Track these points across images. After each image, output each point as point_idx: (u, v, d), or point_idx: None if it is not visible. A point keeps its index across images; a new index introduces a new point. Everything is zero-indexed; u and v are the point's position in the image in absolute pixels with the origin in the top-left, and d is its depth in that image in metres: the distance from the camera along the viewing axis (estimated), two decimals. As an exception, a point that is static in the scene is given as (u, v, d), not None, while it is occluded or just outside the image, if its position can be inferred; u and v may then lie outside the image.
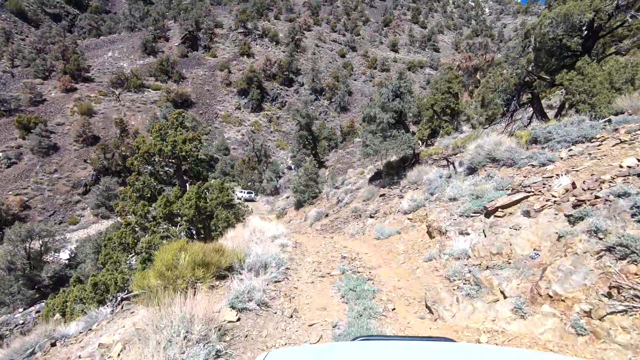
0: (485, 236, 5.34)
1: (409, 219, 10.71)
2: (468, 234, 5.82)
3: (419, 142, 19.63)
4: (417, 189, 15.70)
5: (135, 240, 10.52)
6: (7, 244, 29.32)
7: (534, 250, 4.22)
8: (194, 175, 13.70)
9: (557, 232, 4.12)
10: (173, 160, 13.06)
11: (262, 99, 75.73)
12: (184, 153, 12.12)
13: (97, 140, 50.52)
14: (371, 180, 23.00)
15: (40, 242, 31.32)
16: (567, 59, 12.06)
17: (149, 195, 12.54)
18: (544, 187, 5.39)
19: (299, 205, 29.45)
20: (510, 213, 5.35)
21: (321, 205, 26.49)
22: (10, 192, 41.92)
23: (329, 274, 6.35)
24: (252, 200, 40.60)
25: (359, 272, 6.31)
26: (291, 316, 4.31)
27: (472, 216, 6.17)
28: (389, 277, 6.19)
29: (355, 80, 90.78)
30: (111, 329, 5.20)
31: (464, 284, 4.54)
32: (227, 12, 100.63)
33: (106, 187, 42.77)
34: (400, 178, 19.74)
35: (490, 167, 9.36)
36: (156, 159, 12.99)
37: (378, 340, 1.92)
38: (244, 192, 42.51)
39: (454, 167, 13.62)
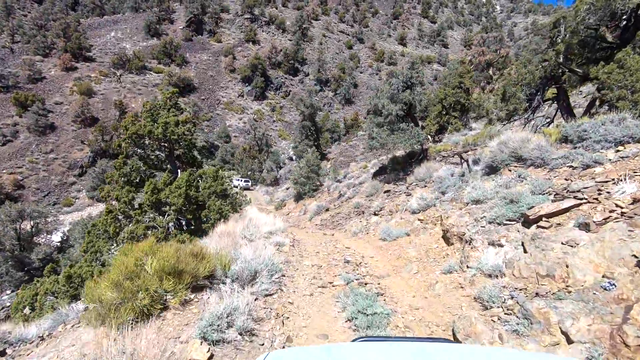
0: (525, 251, 4.36)
1: (419, 219, 9.72)
2: (501, 245, 4.84)
3: (428, 137, 18.55)
4: (425, 186, 14.69)
5: (118, 230, 9.56)
6: (-3, 223, 28.47)
7: (604, 277, 3.25)
8: (187, 161, 12.69)
9: (635, 255, 3.16)
10: (165, 144, 12.05)
11: (265, 87, 74.31)
12: (175, 136, 11.09)
13: (96, 122, 49.40)
14: (375, 175, 22.01)
15: (32, 223, 30.47)
16: (602, 52, 10.93)
17: (137, 181, 11.56)
18: (599, 194, 4.40)
19: (298, 197, 28.48)
20: (559, 224, 4.36)
21: (322, 198, 25.53)
22: (4, 171, 40.98)
23: (330, 283, 5.39)
24: (248, 189, 39.59)
25: (366, 284, 5.34)
26: (283, 348, 3.38)
27: (505, 224, 5.17)
28: (402, 292, 5.23)
29: (361, 72, 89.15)
30: (66, 341, 4.27)
31: (505, 313, 3.56)
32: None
33: (102, 169, 41.75)
34: (407, 174, 18.73)
35: (516, 166, 8.34)
36: (146, 142, 11.97)
37: (378, 341, 1.92)
38: (241, 181, 41.49)
39: (468, 164, 12.60)
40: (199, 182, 11.03)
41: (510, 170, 8.28)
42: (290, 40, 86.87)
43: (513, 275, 4.11)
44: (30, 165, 42.60)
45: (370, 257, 7.92)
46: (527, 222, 4.80)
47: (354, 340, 1.99)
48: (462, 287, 4.75)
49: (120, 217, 9.92)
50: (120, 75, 60.37)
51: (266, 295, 4.34)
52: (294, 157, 50.10)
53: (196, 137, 12.46)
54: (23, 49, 62.91)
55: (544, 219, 4.55)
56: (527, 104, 12.12)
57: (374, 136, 18.40)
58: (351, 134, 53.14)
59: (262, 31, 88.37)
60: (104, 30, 77.70)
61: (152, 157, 12.66)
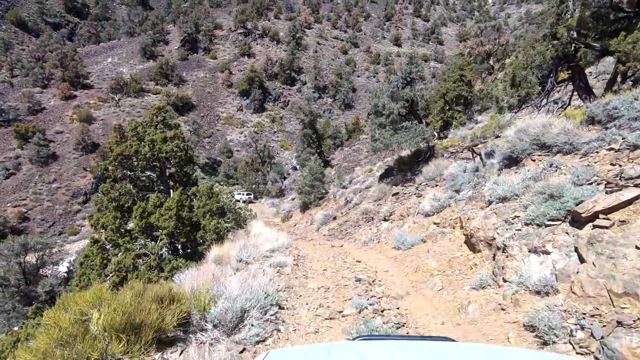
0: (582, 259, 3.43)
1: (435, 223, 8.77)
2: (546, 252, 3.90)
3: (434, 133, 17.62)
4: (436, 186, 13.74)
5: (105, 261, 8.74)
6: (0, 259, 27.93)
7: None
8: (180, 180, 11.89)
9: None
10: (155, 163, 11.28)
11: (264, 99, 74.10)
12: (164, 154, 10.31)
13: (97, 148, 49.24)
14: (381, 178, 21.09)
15: (36, 256, 29.92)
16: (618, 23, 9.98)
17: (128, 205, 10.78)
18: (669, 179, 3.48)
19: (304, 207, 27.60)
20: (623, 221, 3.42)
21: (328, 206, 24.63)
22: (8, 204, 40.77)
23: (340, 313, 4.48)
24: (251, 202, 38.43)
25: (382, 311, 4.42)
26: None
27: (548, 225, 4.23)
28: (428, 317, 4.29)
29: (358, 76, 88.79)
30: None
31: (579, 353, 2.62)
32: (227, 14, 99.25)
33: (106, 195, 41.35)
34: (415, 174, 17.80)
35: (540, 155, 7.38)
36: (135, 163, 11.23)
37: (378, 340, 1.90)
38: (243, 194, 40.33)
39: (482, 158, 11.65)
40: (192, 201, 10.21)
41: (534, 160, 7.33)
42: (285, 50, 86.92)
43: (572, 293, 3.18)
44: (34, 197, 42.38)
45: (385, 271, 6.98)
46: (578, 222, 3.87)
47: (353, 339, 1.96)
48: (503, 309, 3.80)
49: (108, 246, 9.11)
50: (119, 100, 60.53)
51: (257, 342, 3.42)
52: (297, 167, 49.38)
53: (190, 153, 11.69)
54: (22, 82, 63.54)
55: (601, 215, 3.62)
56: (540, 88, 11.17)
57: (377, 137, 17.53)
58: (354, 138, 52.36)
59: (257, 44, 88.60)
60: (100, 57, 78.48)
61: (143, 178, 11.92)
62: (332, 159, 44.89)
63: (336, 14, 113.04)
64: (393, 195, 16.55)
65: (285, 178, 49.38)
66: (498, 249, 4.72)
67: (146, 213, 9.31)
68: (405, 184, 17.02)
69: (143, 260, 8.78)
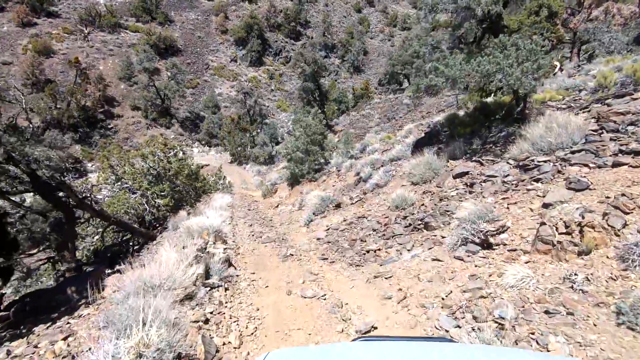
0: None
1: None
2: None
3: (555, 63, 9.25)
4: (584, 163, 5.62)
5: None
6: None
7: None
8: None
9: None
10: None
11: (263, 51, 64.10)
12: None
13: (50, 85, 40.23)
14: (418, 145, 12.92)
15: None
16: None
17: None
18: None
19: (294, 180, 19.40)
20: None
21: (328, 183, 16.58)
22: None
23: None
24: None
25: None
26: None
27: None
28: None
29: (371, 38, 78.39)
30: None
31: None
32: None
33: (50, 142, 32.90)
34: (491, 141, 9.69)
35: None
36: None
37: (378, 341, 1.90)
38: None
39: None
40: None
41: None
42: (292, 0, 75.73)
43: None
44: (-39, 137, 33.84)
45: None
46: None
47: (353, 340, 1.98)
48: None
49: None
50: (88, 33, 50.64)
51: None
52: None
53: None
54: (-25, 2, 53.09)
55: None
56: None
57: (436, 66, 9.20)
58: (363, 103, 43.50)
59: (260, -11, 77.04)
60: (77, -15, 67.07)
61: None
62: (335, 124, 36.47)
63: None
64: (456, 177, 8.45)
65: (278, 143, 40.98)
66: None
67: None
68: (477, 157, 8.90)
69: None
